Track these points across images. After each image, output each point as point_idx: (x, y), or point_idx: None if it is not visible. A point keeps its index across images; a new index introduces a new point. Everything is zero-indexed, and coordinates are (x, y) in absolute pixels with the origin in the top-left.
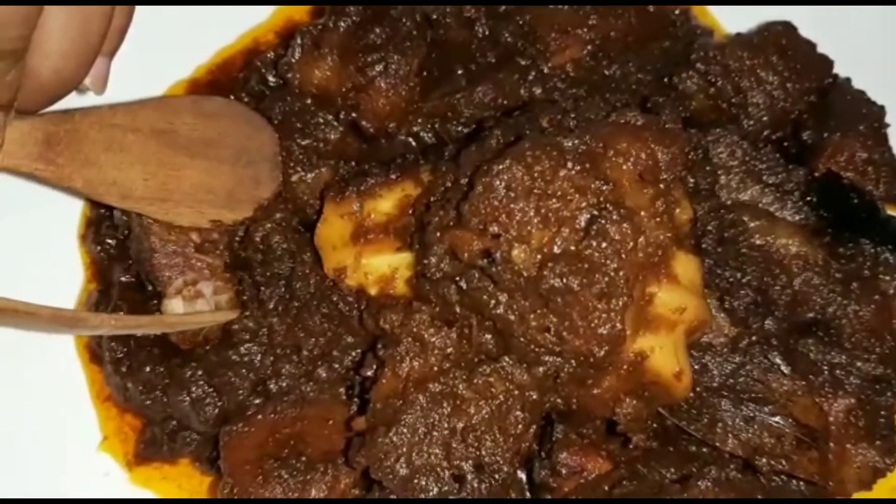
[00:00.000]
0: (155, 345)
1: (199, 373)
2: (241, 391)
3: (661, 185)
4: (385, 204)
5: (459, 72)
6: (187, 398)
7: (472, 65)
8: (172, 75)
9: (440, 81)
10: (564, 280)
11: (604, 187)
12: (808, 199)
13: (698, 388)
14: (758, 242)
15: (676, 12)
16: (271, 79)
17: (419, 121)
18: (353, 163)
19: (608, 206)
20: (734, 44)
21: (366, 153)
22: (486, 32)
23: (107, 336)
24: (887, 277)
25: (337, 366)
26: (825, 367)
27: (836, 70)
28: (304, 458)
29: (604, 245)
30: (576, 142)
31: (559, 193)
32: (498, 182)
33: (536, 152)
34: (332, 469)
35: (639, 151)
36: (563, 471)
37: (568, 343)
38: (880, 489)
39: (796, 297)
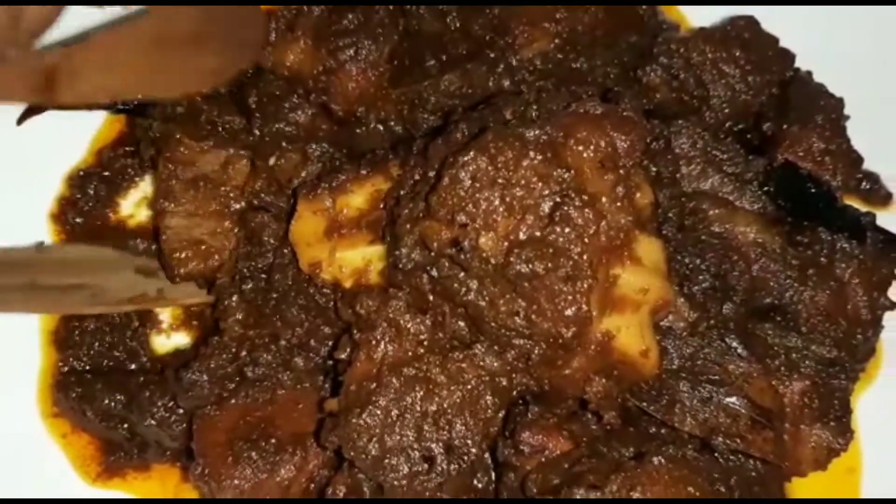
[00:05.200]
0: (111, 372)
1: (158, 394)
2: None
3: (621, 171)
4: (356, 199)
5: (431, 62)
6: (153, 421)
7: (443, 55)
8: None
9: (411, 70)
10: (531, 265)
11: (566, 175)
12: (767, 188)
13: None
14: (717, 230)
15: (644, 8)
16: None
17: (388, 107)
18: (324, 145)
19: (570, 192)
20: (697, 38)
21: (337, 136)
22: (458, 24)
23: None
24: (843, 264)
25: (313, 355)
26: (781, 351)
27: (798, 64)
28: (273, 441)
29: (567, 230)
30: (537, 132)
31: (523, 182)
32: (463, 173)
33: (500, 143)
34: (301, 450)
35: (598, 139)
36: (526, 449)
37: (537, 325)
38: (835, 469)
39: (754, 282)
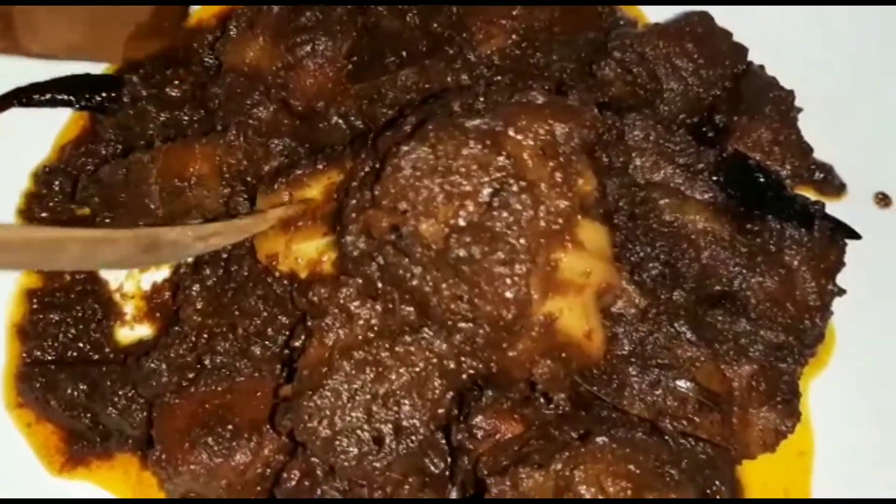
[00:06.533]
0: (74, 362)
1: (120, 383)
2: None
3: (561, 158)
4: (312, 192)
5: (390, 58)
6: (114, 410)
7: (402, 52)
8: None
9: (370, 66)
10: (469, 250)
11: (506, 163)
12: (717, 178)
13: (608, 356)
14: (667, 219)
15: (602, 6)
16: (208, 60)
17: (348, 102)
18: (287, 140)
19: (509, 179)
20: (651, 32)
21: (299, 131)
22: (418, 22)
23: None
24: (792, 251)
25: (270, 344)
26: (730, 336)
27: (754, 58)
28: (230, 427)
29: (505, 215)
30: (478, 122)
31: (462, 170)
32: (404, 162)
33: (440, 133)
34: (257, 436)
35: (538, 127)
36: (479, 433)
37: (479, 308)
38: (786, 452)
39: (704, 270)
